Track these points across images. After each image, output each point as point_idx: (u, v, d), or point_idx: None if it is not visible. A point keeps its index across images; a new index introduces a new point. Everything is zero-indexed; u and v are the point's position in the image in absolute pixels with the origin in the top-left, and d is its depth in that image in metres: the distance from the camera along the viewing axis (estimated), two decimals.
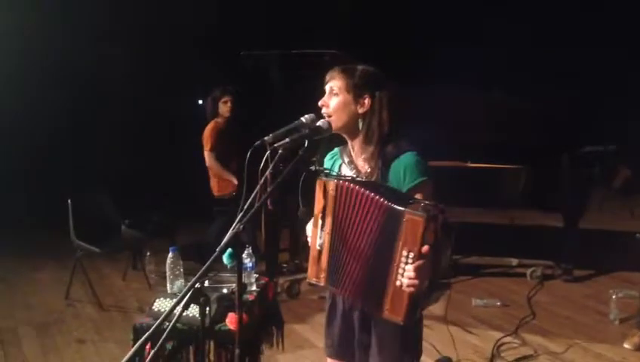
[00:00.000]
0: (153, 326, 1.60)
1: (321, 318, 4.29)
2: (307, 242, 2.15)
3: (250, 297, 2.64)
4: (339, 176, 1.99)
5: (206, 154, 5.03)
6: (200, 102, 7.72)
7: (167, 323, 1.64)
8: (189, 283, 1.67)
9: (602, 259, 5.31)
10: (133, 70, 7.73)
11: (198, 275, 1.67)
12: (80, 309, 4.72)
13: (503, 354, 3.76)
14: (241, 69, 5.43)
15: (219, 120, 5.11)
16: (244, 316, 2.09)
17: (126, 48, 7.63)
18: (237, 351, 1.81)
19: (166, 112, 7.90)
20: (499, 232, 6.12)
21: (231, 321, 2.36)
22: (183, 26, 7.85)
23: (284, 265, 5.38)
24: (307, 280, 2.09)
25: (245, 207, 1.77)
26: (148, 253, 5.16)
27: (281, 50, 4.88)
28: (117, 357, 3.87)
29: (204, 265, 1.65)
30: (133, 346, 2.48)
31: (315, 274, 2.04)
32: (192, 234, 6.09)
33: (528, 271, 5.11)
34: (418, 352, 2.11)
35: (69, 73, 7.37)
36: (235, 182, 4.96)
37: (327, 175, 1.99)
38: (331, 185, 1.94)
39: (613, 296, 4.25)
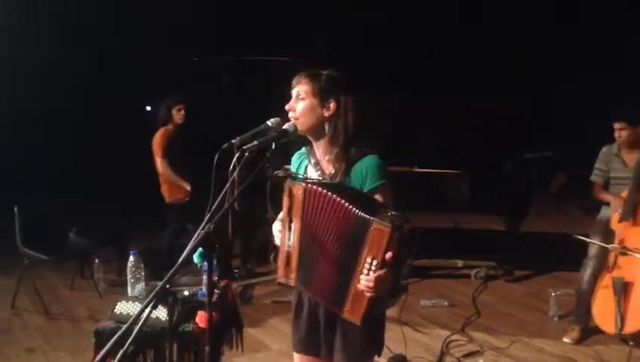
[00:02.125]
0: (124, 328, 1.60)
1: (275, 322, 4.39)
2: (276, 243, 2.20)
3: (212, 298, 2.67)
4: (306, 179, 2.05)
5: (158, 161, 4.97)
6: (148, 108, 7.61)
7: (134, 326, 1.64)
8: (161, 283, 1.67)
9: (541, 260, 5.56)
10: (84, 71, 7.56)
11: (169, 275, 1.67)
12: (27, 318, 4.60)
13: (451, 351, 3.92)
14: (194, 74, 5.42)
15: (169, 127, 5.05)
16: (214, 314, 2.14)
17: (78, 49, 7.45)
18: (207, 348, 1.86)
19: (116, 116, 7.76)
20: (444, 236, 6.30)
21: (201, 319, 2.39)
22: (138, 29, 7.74)
23: (236, 270, 5.39)
24: (277, 279, 2.14)
25: (213, 208, 1.81)
26: (96, 261, 5.09)
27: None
28: None
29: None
30: (95, 350, 2.49)
31: (285, 274, 2.10)
32: (145, 240, 5.99)
33: (473, 272, 5.31)
34: (380, 347, 2.22)
35: (13, 71, 7.13)
36: (189, 188, 4.94)
37: (294, 178, 2.05)
38: (298, 188, 1.99)
39: (553, 294, 4.48)
